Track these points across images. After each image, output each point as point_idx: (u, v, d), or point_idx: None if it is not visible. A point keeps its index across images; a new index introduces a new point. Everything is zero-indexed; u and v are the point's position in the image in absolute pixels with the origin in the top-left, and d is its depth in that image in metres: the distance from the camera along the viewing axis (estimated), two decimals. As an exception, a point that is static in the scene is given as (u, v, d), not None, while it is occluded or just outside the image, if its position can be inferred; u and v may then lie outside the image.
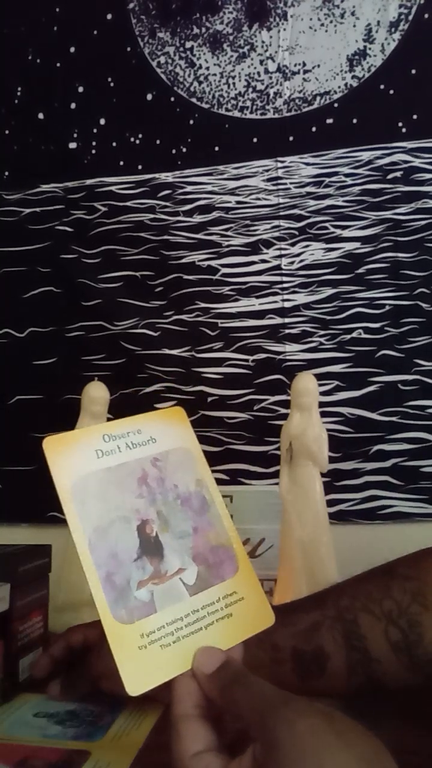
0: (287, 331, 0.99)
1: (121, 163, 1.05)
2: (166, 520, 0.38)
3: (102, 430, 0.39)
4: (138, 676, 0.32)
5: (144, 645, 0.33)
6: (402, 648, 0.44)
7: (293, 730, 0.27)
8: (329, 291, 0.98)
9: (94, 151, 1.06)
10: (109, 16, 1.05)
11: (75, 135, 1.07)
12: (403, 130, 0.97)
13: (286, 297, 1.00)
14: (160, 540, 0.37)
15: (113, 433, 0.39)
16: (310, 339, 0.98)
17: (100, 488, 0.37)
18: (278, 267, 1.00)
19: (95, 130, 1.06)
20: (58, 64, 1.07)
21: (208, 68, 1.03)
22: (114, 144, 1.06)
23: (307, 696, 0.30)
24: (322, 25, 0.99)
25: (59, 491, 0.36)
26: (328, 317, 0.98)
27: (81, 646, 0.55)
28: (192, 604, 0.35)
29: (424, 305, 0.96)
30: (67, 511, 0.36)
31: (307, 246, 1.00)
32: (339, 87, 0.99)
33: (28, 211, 1.08)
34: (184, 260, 1.03)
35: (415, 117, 0.97)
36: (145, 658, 0.33)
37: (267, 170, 1.01)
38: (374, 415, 0.96)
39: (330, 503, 0.80)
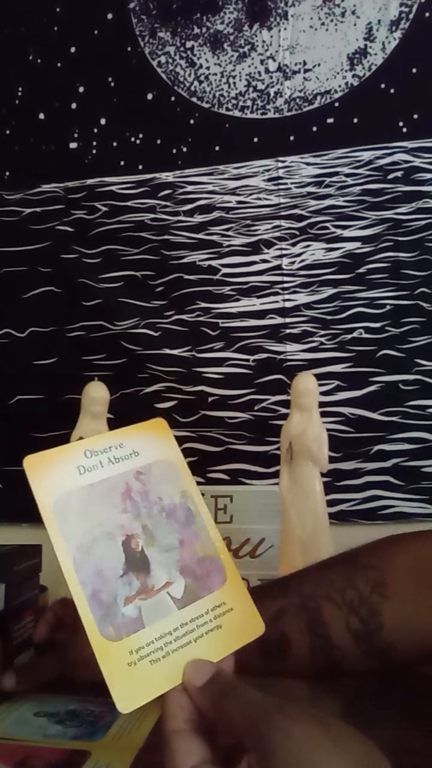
0: (288, 331, 0.99)
1: (122, 162, 1.05)
2: (151, 534, 0.37)
3: (83, 446, 0.38)
4: (128, 693, 0.32)
5: (133, 661, 0.33)
6: (362, 636, 0.46)
7: (288, 738, 0.26)
8: (330, 291, 0.98)
9: (94, 151, 1.06)
10: (109, 16, 1.05)
11: (75, 135, 1.07)
12: (404, 129, 0.97)
13: (286, 297, 0.99)
14: (146, 554, 0.37)
15: (95, 448, 0.38)
16: (310, 339, 0.98)
17: (83, 505, 0.36)
18: (279, 267, 1.00)
19: (96, 130, 1.06)
20: (59, 64, 1.07)
21: (208, 68, 1.03)
22: (114, 144, 1.06)
23: (272, 677, 0.30)
24: (323, 24, 0.99)
25: (41, 510, 0.35)
26: (329, 317, 0.98)
27: (67, 621, 0.55)
28: (180, 618, 0.35)
29: (424, 305, 0.96)
30: (50, 530, 0.35)
31: (307, 246, 0.99)
32: (339, 86, 0.99)
33: (28, 211, 1.08)
34: (184, 260, 1.03)
35: (415, 116, 0.97)
36: (135, 674, 0.33)
37: (268, 170, 1.01)
38: (375, 415, 0.96)
39: (331, 503, 0.80)
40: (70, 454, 0.38)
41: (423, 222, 0.96)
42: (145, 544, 0.37)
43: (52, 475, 0.37)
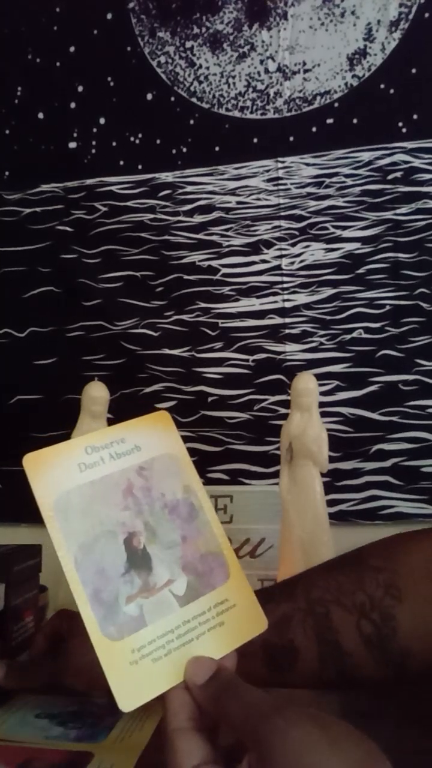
0: (287, 331, 0.99)
1: (121, 162, 1.05)
2: (153, 531, 0.37)
3: (84, 443, 0.38)
4: (130, 691, 0.32)
5: (135, 660, 0.33)
6: (374, 642, 0.44)
7: (286, 740, 0.27)
8: (329, 291, 0.99)
9: (94, 151, 1.06)
10: (109, 16, 1.05)
11: (75, 135, 1.07)
12: (404, 130, 0.97)
13: (286, 297, 1.00)
14: (148, 552, 0.36)
15: (96, 444, 0.38)
16: (310, 339, 0.99)
17: (84, 503, 0.36)
18: (279, 267, 1.00)
19: (95, 130, 1.06)
20: (58, 64, 1.07)
21: (208, 68, 1.03)
22: (114, 144, 1.06)
23: (278, 687, 0.29)
24: (323, 24, 0.99)
25: (42, 509, 0.35)
26: (329, 317, 0.98)
27: (63, 632, 0.54)
28: (182, 616, 0.35)
29: (424, 305, 0.96)
30: (50, 529, 0.35)
31: (307, 246, 1.00)
32: (339, 86, 0.99)
33: (28, 211, 1.08)
34: (184, 260, 1.03)
35: (415, 117, 0.97)
36: (137, 673, 0.33)
37: (267, 170, 1.01)
38: (374, 415, 0.96)
39: (330, 503, 0.80)
40: (70, 451, 0.38)
41: (422, 222, 0.96)
42: (147, 541, 0.37)
43: (52, 473, 0.36)
